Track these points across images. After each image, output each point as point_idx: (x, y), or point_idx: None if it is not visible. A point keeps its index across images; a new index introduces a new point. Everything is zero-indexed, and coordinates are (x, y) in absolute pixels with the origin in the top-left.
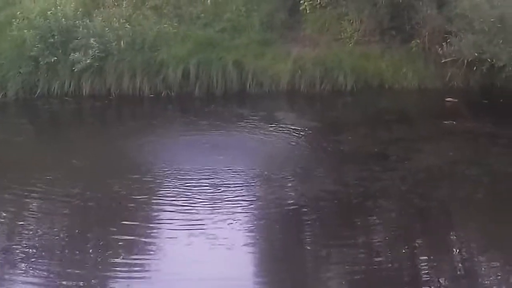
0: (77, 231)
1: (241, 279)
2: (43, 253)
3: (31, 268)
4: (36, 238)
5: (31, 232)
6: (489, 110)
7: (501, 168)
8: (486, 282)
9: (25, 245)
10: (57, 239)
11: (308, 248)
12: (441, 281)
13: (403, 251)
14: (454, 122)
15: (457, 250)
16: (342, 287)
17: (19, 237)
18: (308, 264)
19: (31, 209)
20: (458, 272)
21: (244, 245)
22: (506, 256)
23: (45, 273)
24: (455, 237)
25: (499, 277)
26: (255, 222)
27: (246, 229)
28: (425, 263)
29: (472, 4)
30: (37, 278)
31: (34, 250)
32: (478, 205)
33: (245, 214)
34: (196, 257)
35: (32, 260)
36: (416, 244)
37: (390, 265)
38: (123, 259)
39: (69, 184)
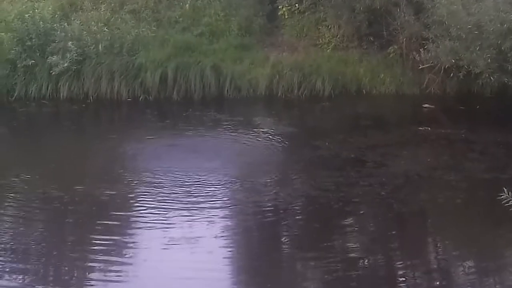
0: (51, 234)
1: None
2: (18, 256)
3: (5, 271)
4: (10, 241)
5: (4, 235)
6: (466, 116)
7: (477, 174)
8: (464, 285)
9: (1, 245)
10: (32, 241)
11: (286, 250)
12: (418, 284)
13: (382, 255)
14: (429, 128)
15: (436, 254)
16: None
17: None
18: (286, 266)
19: (5, 212)
20: (435, 276)
21: (222, 248)
22: (483, 259)
23: (19, 275)
24: (433, 241)
25: (475, 279)
26: (232, 226)
27: (223, 233)
28: (404, 267)
29: (449, 11)
30: (10, 280)
31: (8, 253)
32: (456, 210)
33: (222, 218)
34: (175, 260)
35: (5, 263)
36: (395, 248)
37: (367, 267)
38: (100, 262)
39: (43, 186)
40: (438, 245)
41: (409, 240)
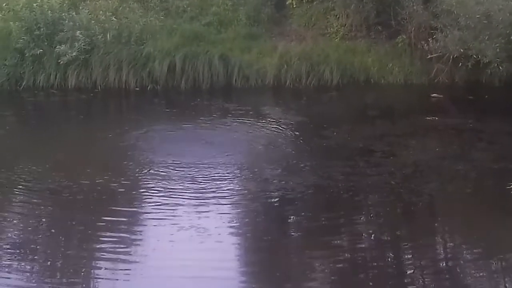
0: (61, 224)
1: (230, 270)
2: (27, 247)
3: (15, 262)
4: (21, 231)
5: (14, 226)
6: (474, 106)
7: (486, 163)
8: (472, 275)
9: (9, 239)
10: (42, 232)
11: (295, 240)
12: (427, 273)
13: (392, 244)
14: (436, 118)
15: (444, 244)
16: (328, 280)
17: (3, 229)
18: (295, 257)
19: (13, 202)
20: (444, 266)
21: (231, 237)
22: (492, 248)
23: (29, 267)
24: (442, 230)
25: (483, 269)
26: (241, 216)
27: (231, 223)
28: (413, 257)
29: (458, 0)
30: (21, 271)
31: (18, 244)
32: (465, 200)
33: (230, 208)
34: (184, 250)
35: (16, 254)
36: (405, 238)
37: (378, 258)
38: (108, 253)
39: (51, 176)
40: (447, 234)
41: (418, 230)
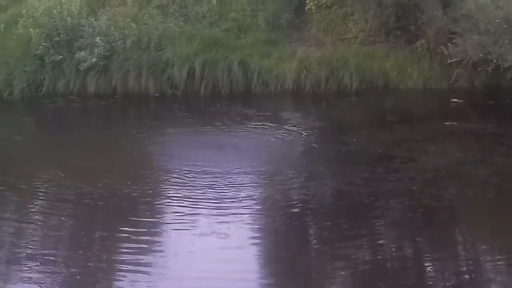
0: (83, 229)
1: (249, 276)
2: (49, 251)
3: (36, 266)
4: (39, 240)
5: (33, 234)
6: (494, 111)
7: (506, 168)
8: (495, 281)
9: (31, 243)
10: (63, 237)
11: (316, 245)
12: (449, 279)
13: (413, 250)
14: (455, 123)
15: (466, 249)
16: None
17: (25, 235)
18: (316, 261)
19: (34, 209)
20: (467, 271)
21: (252, 243)
22: None
23: (50, 271)
24: (464, 236)
25: (505, 274)
26: (261, 221)
27: (252, 228)
28: (434, 262)
29: (477, 5)
30: (43, 275)
31: (40, 248)
32: (486, 205)
33: (251, 213)
34: (205, 260)
35: (38, 257)
36: (426, 243)
37: (399, 265)
38: (129, 257)
39: (73, 182)
40: (469, 240)
41: (440, 235)
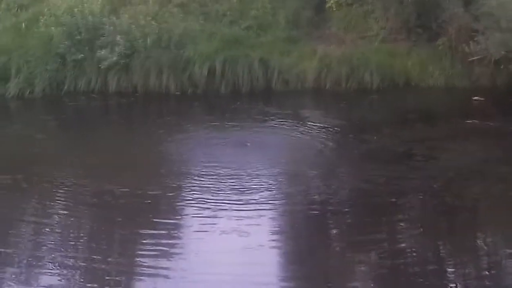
0: (104, 227)
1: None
2: (64, 259)
3: (56, 263)
4: (58, 241)
5: (52, 235)
6: None
7: None
8: None
9: (49, 244)
10: (84, 232)
11: (336, 244)
12: (471, 281)
13: (435, 249)
14: (477, 121)
15: (490, 249)
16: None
17: (46, 231)
18: (336, 260)
19: (54, 209)
20: (489, 273)
21: (273, 243)
22: None
23: (68, 274)
24: (488, 235)
25: None
26: (282, 219)
27: (274, 228)
28: (457, 262)
29: (499, 3)
30: (63, 273)
31: (61, 243)
32: (510, 203)
33: (272, 211)
34: (226, 263)
35: (56, 259)
36: (449, 242)
37: (421, 264)
38: (150, 257)
39: (93, 181)
40: (492, 239)
41: (463, 235)
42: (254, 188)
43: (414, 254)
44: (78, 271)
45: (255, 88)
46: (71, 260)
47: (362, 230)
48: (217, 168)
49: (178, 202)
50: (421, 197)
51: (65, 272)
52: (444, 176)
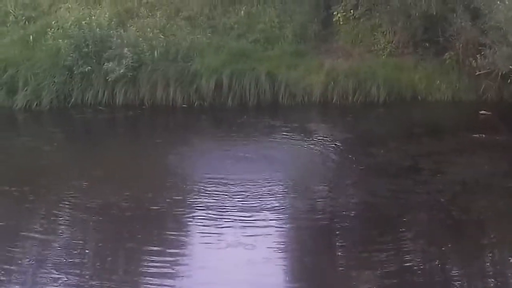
0: (110, 239)
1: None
2: (72, 268)
3: (63, 275)
4: (66, 251)
5: (59, 245)
6: None
7: None
8: None
9: (58, 252)
10: (90, 247)
11: (343, 257)
12: None
13: (443, 262)
14: (484, 135)
15: (496, 263)
16: None
17: (51, 245)
18: (342, 273)
19: (61, 220)
20: (497, 285)
21: (279, 258)
22: None
23: (75, 284)
24: (494, 249)
25: None
26: (288, 232)
27: (279, 239)
28: (464, 276)
29: (506, 17)
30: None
31: (67, 258)
32: None
33: (278, 224)
34: (231, 268)
35: (62, 269)
36: (456, 256)
37: (427, 278)
38: (154, 270)
39: (99, 193)
40: (498, 253)
41: (468, 248)
42: (260, 201)
43: (421, 268)
44: (82, 281)
45: (262, 102)
46: (75, 270)
47: (368, 244)
48: (224, 181)
49: (184, 215)
50: (428, 211)
51: (68, 281)
52: (451, 190)
